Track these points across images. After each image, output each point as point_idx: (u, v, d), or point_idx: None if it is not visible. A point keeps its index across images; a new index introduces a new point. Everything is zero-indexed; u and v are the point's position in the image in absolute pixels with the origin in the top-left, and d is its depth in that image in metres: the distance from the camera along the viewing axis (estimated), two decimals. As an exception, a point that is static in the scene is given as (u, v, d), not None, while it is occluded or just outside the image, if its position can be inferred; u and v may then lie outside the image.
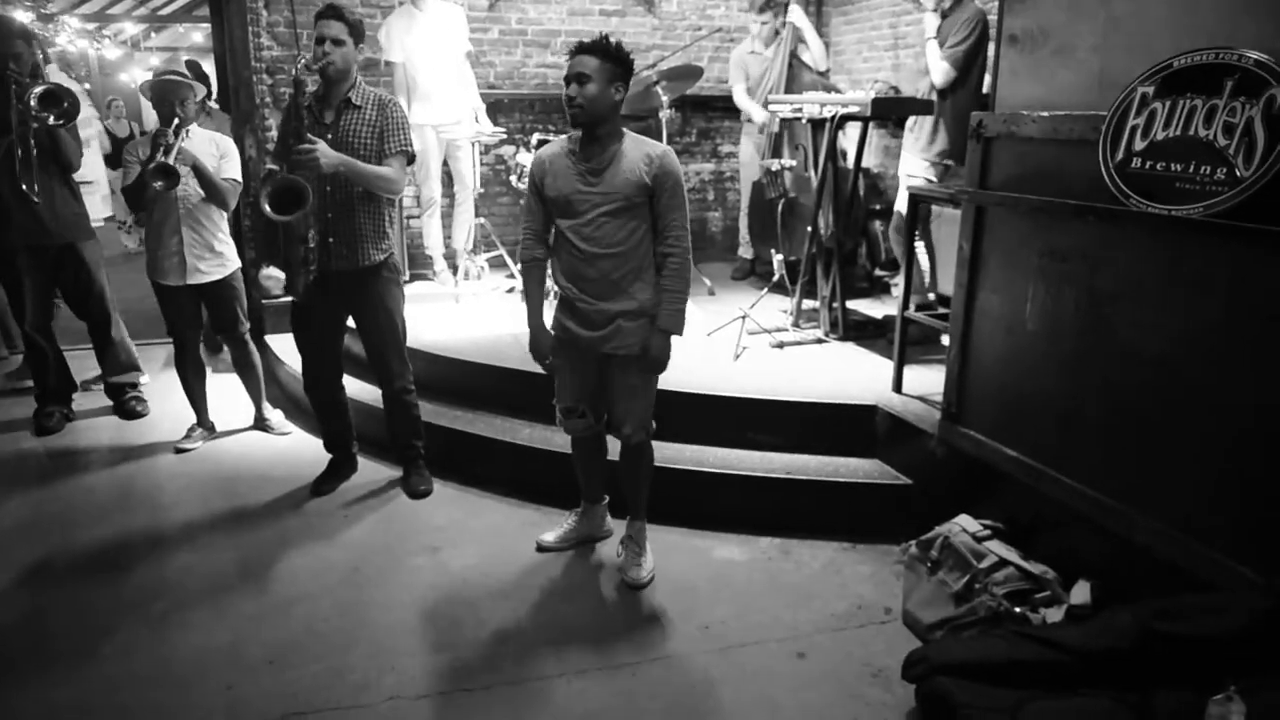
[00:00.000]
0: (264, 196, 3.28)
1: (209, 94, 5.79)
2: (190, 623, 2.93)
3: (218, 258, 4.16)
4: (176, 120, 3.85)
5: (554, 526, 3.43)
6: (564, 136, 2.97)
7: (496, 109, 5.90)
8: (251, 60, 5.96)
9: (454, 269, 5.89)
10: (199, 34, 15.01)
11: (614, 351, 2.96)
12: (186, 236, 4.06)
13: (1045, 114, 2.80)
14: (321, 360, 3.75)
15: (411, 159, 3.55)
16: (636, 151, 2.85)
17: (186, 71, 4.16)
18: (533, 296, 3.08)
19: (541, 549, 3.35)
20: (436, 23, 5.51)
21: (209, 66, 6.56)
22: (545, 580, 3.17)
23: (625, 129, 2.91)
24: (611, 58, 2.79)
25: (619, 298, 2.91)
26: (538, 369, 4.08)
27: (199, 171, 3.89)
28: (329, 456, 3.95)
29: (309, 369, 3.78)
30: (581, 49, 2.80)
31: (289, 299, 3.59)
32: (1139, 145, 2.45)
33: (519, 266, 3.12)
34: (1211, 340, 2.35)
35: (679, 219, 2.88)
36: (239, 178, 4.13)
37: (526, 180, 3.04)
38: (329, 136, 3.35)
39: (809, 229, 4.63)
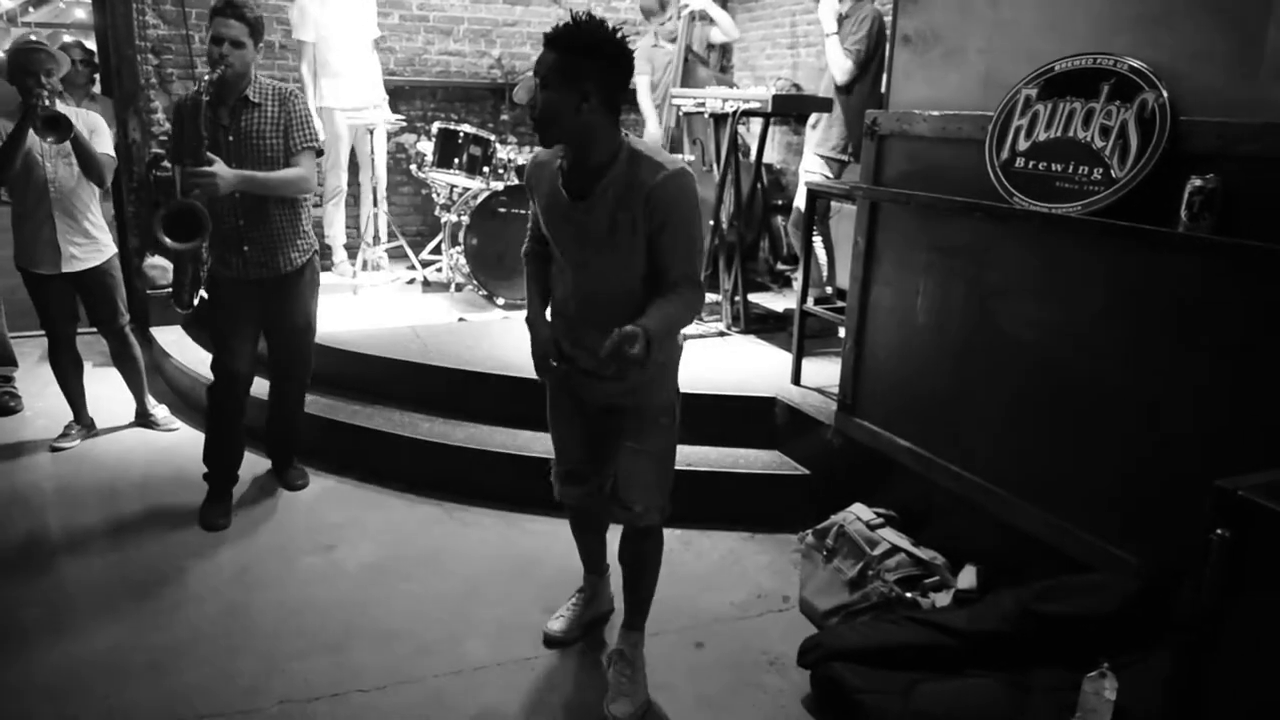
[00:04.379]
0: (158, 222, 3.09)
1: (94, 71, 5.49)
2: (66, 629, 2.78)
3: (92, 243, 3.96)
4: (45, 91, 3.56)
5: (559, 613, 2.85)
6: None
7: (397, 96, 5.79)
8: (135, 38, 5.70)
9: (353, 259, 5.74)
10: (81, 10, 14.25)
11: (623, 402, 2.37)
12: (59, 223, 3.86)
13: (936, 113, 2.88)
14: (239, 362, 3.44)
15: (320, 153, 3.42)
16: (633, 178, 2.13)
17: (47, 43, 3.85)
18: (531, 289, 2.46)
19: (550, 643, 2.77)
20: (350, 3, 5.39)
21: (90, 44, 6.23)
22: (444, 578, 3.12)
23: (632, 144, 2.17)
24: (577, 50, 2.02)
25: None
26: (438, 362, 4.07)
27: (76, 142, 3.66)
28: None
29: (223, 369, 3.45)
30: (545, 40, 2.08)
31: (177, 292, 3.37)
32: (1023, 145, 2.54)
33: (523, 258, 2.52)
34: (1089, 332, 2.46)
35: (683, 257, 2.18)
36: (113, 153, 3.94)
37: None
38: (229, 138, 3.18)
39: (710, 223, 4.67)
